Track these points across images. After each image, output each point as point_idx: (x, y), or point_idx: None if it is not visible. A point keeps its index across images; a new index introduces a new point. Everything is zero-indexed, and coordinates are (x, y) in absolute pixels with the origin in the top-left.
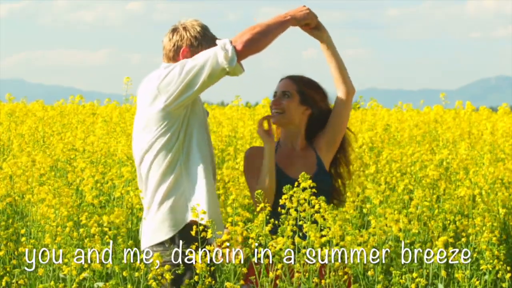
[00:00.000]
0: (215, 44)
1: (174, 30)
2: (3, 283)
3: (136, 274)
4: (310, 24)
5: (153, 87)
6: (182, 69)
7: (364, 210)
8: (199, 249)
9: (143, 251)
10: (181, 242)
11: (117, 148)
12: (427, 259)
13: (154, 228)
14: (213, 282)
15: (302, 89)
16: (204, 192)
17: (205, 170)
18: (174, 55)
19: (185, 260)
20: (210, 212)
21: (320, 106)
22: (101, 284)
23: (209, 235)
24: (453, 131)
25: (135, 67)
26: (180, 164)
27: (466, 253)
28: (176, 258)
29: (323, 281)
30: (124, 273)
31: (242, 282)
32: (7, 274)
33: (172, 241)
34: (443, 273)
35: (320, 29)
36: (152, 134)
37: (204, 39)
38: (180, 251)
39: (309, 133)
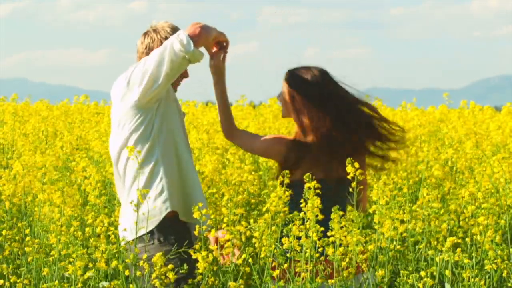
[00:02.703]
0: None
1: (146, 34)
2: (8, 284)
3: (138, 273)
4: (221, 41)
5: (123, 84)
6: (144, 65)
7: (370, 210)
8: (201, 248)
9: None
10: (159, 235)
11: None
12: (433, 258)
13: (132, 223)
14: (216, 282)
15: (292, 93)
16: (187, 184)
17: (183, 161)
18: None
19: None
20: (198, 201)
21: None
22: (105, 283)
23: (211, 235)
24: (458, 131)
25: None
26: (156, 157)
27: (470, 253)
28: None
29: (330, 281)
30: (127, 272)
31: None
32: (13, 273)
33: (151, 234)
34: (447, 272)
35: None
36: (127, 130)
37: None
38: (155, 244)
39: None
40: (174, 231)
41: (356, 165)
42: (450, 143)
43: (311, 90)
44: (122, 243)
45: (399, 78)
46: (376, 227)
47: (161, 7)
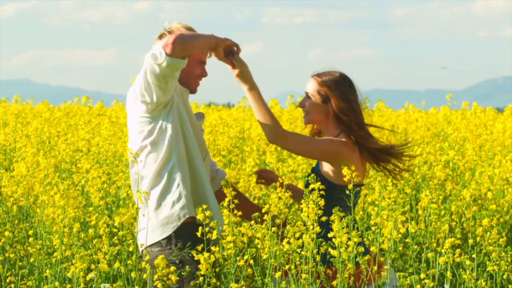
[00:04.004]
0: None
1: (161, 36)
2: (13, 286)
3: (145, 276)
4: (231, 51)
5: (132, 91)
6: (139, 77)
7: (372, 212)
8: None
9: (141, 251)
10: (177, 241)
11: (124, 148)
12: (433, 260)
13: (151, 229)
14: (218, 283)
15: (321, 89)
16: (200, 190)
17: (195, 168)
18: None
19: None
20: (210, 208)
21: (335, 105)
22: (107, 285)
23: (214, 236)
24: (461, 132)
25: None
26: (173, 163)
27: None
28: (176, 257)
29: (334, 282)
30: (133, 274)
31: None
32: (14, 275)
33: (168, 240)
34: (448, 274)
35: (238, 60)
36: (141, 136)
37: None
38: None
39: (344, 129)
40: (192, 237)
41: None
42: (451, 145)
43: (335, 80)
44: (141, 248)
45: (404, 78)
46: (373, 228)
47: (167, 6)
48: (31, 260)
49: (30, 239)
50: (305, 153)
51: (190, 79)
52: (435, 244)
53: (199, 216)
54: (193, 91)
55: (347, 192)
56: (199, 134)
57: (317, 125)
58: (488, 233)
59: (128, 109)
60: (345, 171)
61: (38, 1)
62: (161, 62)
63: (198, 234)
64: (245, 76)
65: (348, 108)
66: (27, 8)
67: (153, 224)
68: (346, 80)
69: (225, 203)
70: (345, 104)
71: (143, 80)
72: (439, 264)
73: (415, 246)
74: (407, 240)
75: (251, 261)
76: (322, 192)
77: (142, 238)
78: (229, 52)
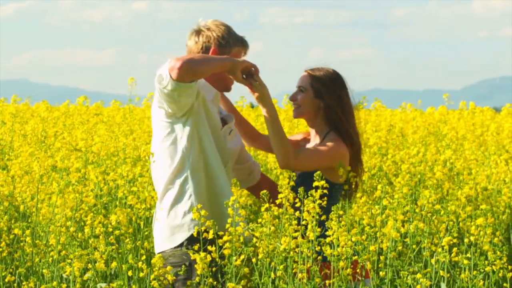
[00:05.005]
0: (240, 42)
1: (199, 33)
2: (9, 285)
3: (141, 274)
4: (250, 73)
5: (157, 95)
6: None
7: (373, 211)
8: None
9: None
10: (188, 244)
11: (118, 148)
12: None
13: (163, 235)
14: (215, 283)
15: (315, 83)
16: (205, 194)
17: (213, 177)
18: None
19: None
20: (225, 219)
21: (328, 100)
22: (104, 285)
23: (210, 236)
24: (457, 131)
25: (142, 66)
26: (186, 173)
27: (468, 253)
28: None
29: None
30: (129, 273)
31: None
32: (10, 274)
33: (180, 247)
34: (441, 273)
35: (257, 82)
36: (159, 139)
37: (230, 37)
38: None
39: (334, 125)
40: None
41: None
42: (449, 144)
43: (329, 76)
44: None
45: (403, 78)
46: (367, 228)
47: (165, 6)
48: (29, 260)
49: (28, 239)
50: (316, 168)
51: (226, 79)
52: (430, 244)
53: (194, 216)
54: (227, 89)
55: (343, 192)
56: (221, 140)
57: (306, 119)
58: (482, 232)
59: (152, 108)
60: (341, 171)
61: (38, 1)
62: (166, 86)
63: (209, 235)
64: (264, 99)
65: (338, 105)
66: (27, 8)
67: (165, 232)
68: (339, 77)
69: (230, 202)
70: (337, 101)
71: (157, 94)
72: (437, 261)
73: (414, 246)
74: (406, 239)
75: (254, 260)
76: (325, 191)
77: (160, 241)
78: (247, 74)
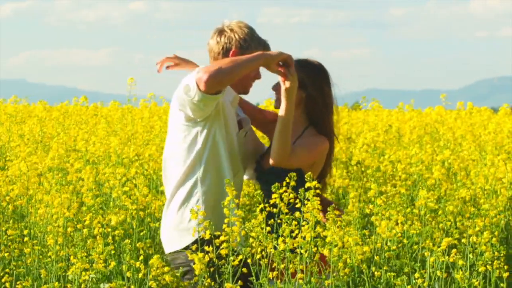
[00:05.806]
0: (262, 46)
1: (221, 33)
2: (8, 285)
3: (140, 275)
4: (287, 63)
5: (177, 98)
6: (181, 90)
7: (367, 211)
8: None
9: (168, 255)
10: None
11: (114, 148)
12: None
13: (170, 237)
14: (213, 283)
15: (299, 73)
16: (206, 198)
17: (224, 184)
18: (223, 57)
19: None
20: (209, 215)
21: (310, 91)
22: (107, 285)
23: (207, 236)
24: (454, 131)
25: (138, 66)
26: (196, 177)
27: (464, 253)
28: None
29: (326, 282)
30: (128, 274)
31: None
32: (9, 274)
33: (186, 248)
34: (438, 272)
35: (292, 73)
36: (177, 140)
37: (253, 40)
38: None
39: (314, 119)
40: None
41: None
42: (446, 145)
43: (312, 66)
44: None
45: (401, 78)
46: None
47: (163, 6)
48: (28, 260)
49: (25, 239)
50: (304, 164)
51: (245, 82)
52: (430, 244)
53: (192, 217)
54: (246, 92)
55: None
56: (234, 147)
57: None
58: (479, 233)
59: (171, 110)
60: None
61: (35, 1)
62: (192, 97)
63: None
64: (292, 92)
65: (320, 98)
66: (24, 8)
67: (173, 233)
68: (324, 71)
69: (226, 203)
70: (320, 93)
71: (181, 96)
72: (434, 262)
73: (415, 247)
74: (403, 239)
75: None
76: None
77: (169, 243)
78: (284, 64)
